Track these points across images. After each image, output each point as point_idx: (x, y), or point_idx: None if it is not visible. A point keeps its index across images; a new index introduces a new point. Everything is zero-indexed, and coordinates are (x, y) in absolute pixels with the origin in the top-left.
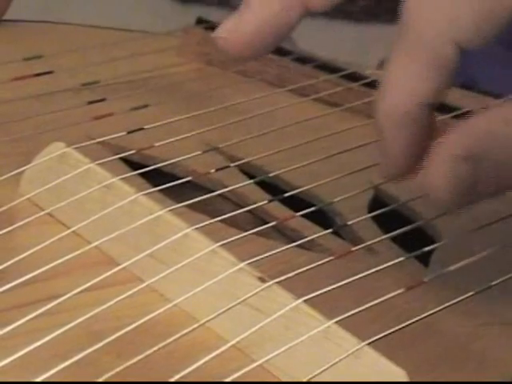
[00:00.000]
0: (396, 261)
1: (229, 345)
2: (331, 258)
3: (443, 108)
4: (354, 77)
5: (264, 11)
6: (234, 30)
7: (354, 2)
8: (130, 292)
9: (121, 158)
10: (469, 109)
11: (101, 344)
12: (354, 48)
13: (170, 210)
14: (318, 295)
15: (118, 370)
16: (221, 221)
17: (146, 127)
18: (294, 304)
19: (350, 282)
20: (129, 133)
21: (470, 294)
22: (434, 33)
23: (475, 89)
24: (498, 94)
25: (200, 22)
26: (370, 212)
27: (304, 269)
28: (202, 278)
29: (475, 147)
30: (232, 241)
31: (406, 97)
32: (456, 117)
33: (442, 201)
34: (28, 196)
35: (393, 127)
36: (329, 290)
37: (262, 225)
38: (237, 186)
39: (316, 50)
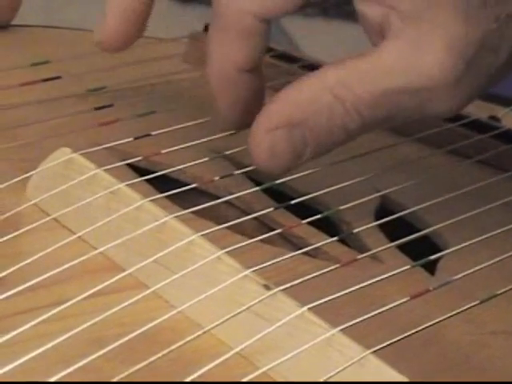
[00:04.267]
0: (402, 269)
1: (233, 352)
2: (336, 265)
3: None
4: None
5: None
6: (103, 30)
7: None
8: (134, 298)
9: (127, 164)
10: (475, 117)
11: (104, 350)
12: (353, 48)
13: (176, 217)
14: (322, 303)
15: (121, 376)
16: (226, 227)
17: (152, 133)
18: (298, 312)
19: (354, 290)
20: (135, 139)
21: (476, 302)
22: (236, 7)
23: None
24: (498, 94)
25: (207, 28)
26: (376, 220)
27: (309, 276)
28: (206, 285)
29: (295, 116)
30: (237, 248)
31: (221, 64)
32: (463, 125)
33: (264, 168)
34: (34, 201)
35: (216, 89)
36: (334, 298)
37: (267, 232)
38: (243, 192)
39: (316, 50)
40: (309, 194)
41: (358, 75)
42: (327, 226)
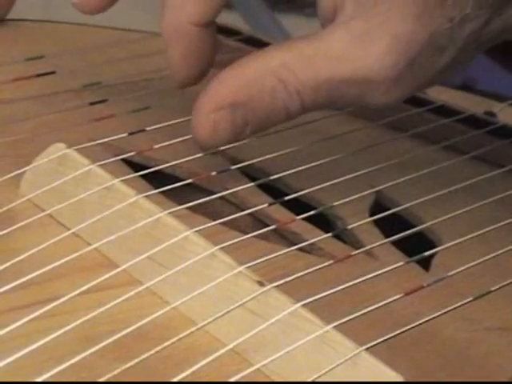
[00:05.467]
0: (396, 265)
1: (226, 348)
2: (330, 262)
3: (445, 111)
4: None
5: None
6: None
7: None
8: (128, 295)
9: (122, 160)
10: (470, 112)
11: (97, 347)
12: None
13: (170, 213)
14: (316, 300)
15: (114, 373)
16: (221, 223)
17: (147, 129)
18: (292, 308)
19: (349, 287)
20: (130, 134)
21: (470, 299)
22: None
23: (475, 89)
24: (498, 94)
25: None
26: (371, 216)
27: (303, 273)
28: (200, 282)
29: (238, 97)
30: (232, 244)
31: (177, 15)
32: (458, 121)
33: (204, 144)
34: (28, 197)
35: (169, 40)
36: (327, 295)
37: (262, 228)
38: (238, 188)
39: None
40: (304, 189)
41: (302, 60)
42: (322, 222)
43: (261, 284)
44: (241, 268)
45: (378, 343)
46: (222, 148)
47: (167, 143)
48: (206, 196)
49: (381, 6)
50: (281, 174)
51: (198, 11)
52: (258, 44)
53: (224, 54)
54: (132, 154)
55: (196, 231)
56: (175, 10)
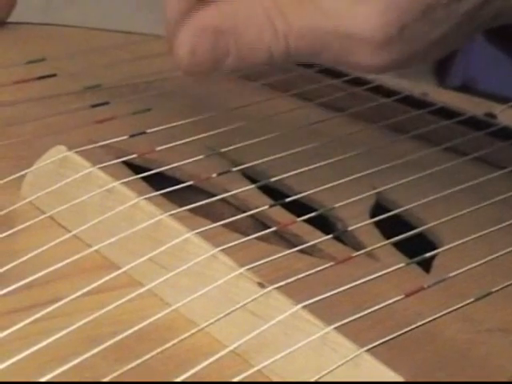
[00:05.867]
0: (397, 267)
1: (227, 350)
2: (331, 263)
3: (446, 113)
4: (357, 81)
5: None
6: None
7: None
8: (129, 296)
9: (123, 162)
10: (471, 114)
11: (99, 348)
12: None
13: (171, 215)
14: (317, 301)
15: (115, 374)
16: (222, 225)
17: (148, 131)
18: (292, 310)
19: (349, 288)
20: (131, 136)
21: (471, 300)
22: None
23: (475, 88)
24: (498, 94)
25: None
26: (371, 217)
27: (304, 274)
28: (201, 283)
29: (224, 23)
30: (232, 246)
31: None
32: (459, 122)
33: (182, 66)
34: (29, 199)
35: None
36: (328, 296)
37: (263, 229)
38: (239, 190)
39: None
40: (304, 191)
41: (295, 4)
42: (322, 224)
43: (261, 285)
44: (241, 270)
45: (379, 344)
46: (224, 150)
47: (168, 145)
48: (207, 198)
49: None
50: (281, 176)
51: None
52: None
53: None
54: (133, 156)
55: (197, 233)
56: None
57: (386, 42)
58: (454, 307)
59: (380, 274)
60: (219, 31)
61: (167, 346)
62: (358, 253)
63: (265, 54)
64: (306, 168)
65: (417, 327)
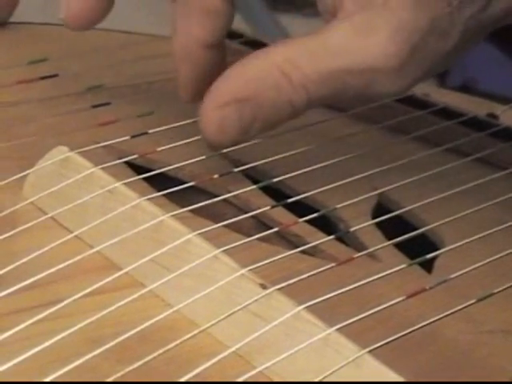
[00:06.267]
0: (398, 268)
1: (229, 351)
2: (333, 264)
3: (447, 113)
4: None
5: None
6: (67, 8)
7: None
8: (131, 297)
9: (125, 163)
10: (473, 114)
11: (101, 349)
12: None
13: (173, 215)
14: (319, 302)
15: (117, 375)
16: (224, 226)
17: (150, 131)
18: (294, 311)
19: (351, 289)
20: (132, 137)
21: (473, 301)
22: None
23: (476, 89)
24: (499, 94)
25: None
26: (373, 218)
27: (306, 275)
28: (203, 284)
29: (243, 92)
30: (234, 246)
31: (184, 38)
32: (461, 123)
33: (212, 142)
34: (31, 200)
35: (179, 61)
36: (330, 297)
37: (265, 230)
38: (240, 191)
39: None
40: (306, 192)
41: (305, 53)
42: (324, 225)
43: (263, 286)
44: (243, 270)
45: (381, 345)
46: (227, 150)
47: (170, 146)
48: (209, 198)
49: None
50: (283, 177)
51: (204, 33)
52: (261, 46)
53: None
54: (135, 156)
55: (199, 234)
56: (183, 31)
57: (401, 67)
58: (456, 308)
59: (382, 274)
60: (241, 100)
61: (169, 346)
62: (360, 254)
63: (288, 109)
64: (308, 168)
65: (419, 328)
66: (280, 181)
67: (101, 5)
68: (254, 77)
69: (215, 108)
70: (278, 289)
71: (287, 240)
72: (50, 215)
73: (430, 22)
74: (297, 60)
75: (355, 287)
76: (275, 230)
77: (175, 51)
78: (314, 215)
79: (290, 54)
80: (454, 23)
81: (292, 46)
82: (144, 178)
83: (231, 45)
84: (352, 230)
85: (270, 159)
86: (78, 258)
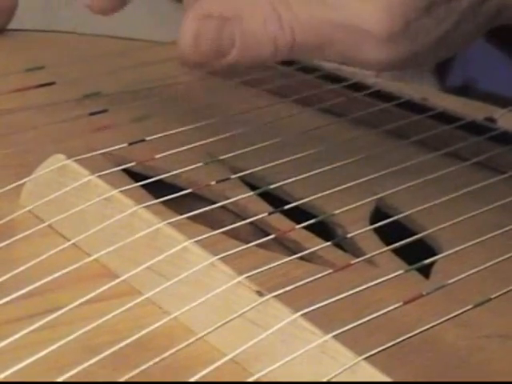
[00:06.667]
0: (396, 273)
1: (226, 358)
2: (330, 271)
3: (445, 118)
4: (357, 86)
5: None
6: None
7: None
8: (128, 305)
9: (122, 170)
10: (471, 118)
11: (98, 358)
12: None
13: (170, 223)
14: (316, 309)
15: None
16: (221, 232)
17: (147, 139)
18: (291, 318)
19: (348, 295)
20: (130, 144)
21: (470, 306)
22: None
23: (475, 88)
24: (499, 94)
25: None
26: (371, 223)
27: (302, 282)
28: (200, 292)
29: (230, 10)
30: (232, 253)
31: None
32: (459, 127)
33: (184, 55)
34: (28, 208)
35: None
36: (327, 304)
37: (262, 237)
38: (238, 197)
39: None
40: (304, 198)
41: None
42: (322, 231)
43: (260, 294)
44: (240, 278)
45: (378, 352)
46: (223, 157)
47: (168, 153)
48: (207, 205)
49: None
50: (281, 183)
51: None
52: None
53: None
54: (132, 164)
55: (195, 241)
56: None
57: (391, 37)
58: (454, 313)
59: (379, 280)
60: (224, 18)
61: (166, 354)
62: (358, 260)
63: (269, 46)
64: (306, 174)
65: (416, 334)
66: (278, 187)
67: None
68: (245, 3)
69: (195, 17)
70: (275, 296)
71: (285, 246)
72: (47, 223)
73: (428, 4)
74: (291, 1)
75: (352, 293)
76: (273, 236)
77: None
78: (312, 221)
79: None
80: (450, 11)
81: None
82: (141, 185)
83: None
84: (350, 235)
85: (268, 165)
86: (76, 265)
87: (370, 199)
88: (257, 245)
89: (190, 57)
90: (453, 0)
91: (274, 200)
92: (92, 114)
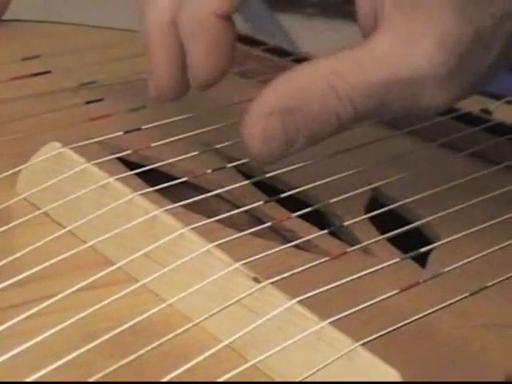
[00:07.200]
0: (392, 262)
1: (222, 345)
2: (326, 259)
3: None
4: None
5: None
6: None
7: (353, 2)
8: (124, 292)
9: (118, 158)
10: (466, 110)
11: (94, 344)
12: None
13: (166, 211)
14: (312, 296)
15: (110, 369)
16: (217, 221)
17: (143, 127)
18: (287, 305)
19: (345, 283)
20: (126, 133)
21: (466, 295)
22: None
23: None
24: (495, 92)
25: None
26: (367, 213)
27: (299, 269)
28: (196, 279)
29: (288, 102)
30: (227, 241)
31: (200, 9)
32: (455, 118)
33: (255, 154)
34: (24, 195)
35: (192, 36)
36: (324, 291)
37: (258, 225)
38: (234, 186)
39: (316, 50)
40: (300, 187)
41: (351, 65)
42: (318, 219)
43: (256, 280)
44: (237, 265)
45: (374, 338)
46: (219, 146)
47: (163, 142)
48: (202, 194)
49: (422, 6)
50: (276, 172)
51: (222, 2)
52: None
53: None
54: (128, 152)
55: (192, 228)
56: (195, 2)
57: (449, 76)
58: (449, 302)
59: (375, 268)
60: (285, 111)
61: (162, 341)
62: (353, 248)
63: (334, 123)
64: (302, 163)
65: (412, 322)
66: (273, 176)
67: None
68: (299, 87)
69: (259, 117)
70: (272, 283)
71: (281, 235)
72: (43, 211)
73: (474, 33)
74: (343, 71)
75: (348, 281)
76: (268, 224)
77: (186, 24)
78: (308, 210)
79: (336, 65)
80: (496, 35)
81: (338, 57)
82: (137, 174)
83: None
84: (346, 224)
85: None
86: (71, 253)
87: (365, 188)
88: (253, 234)
89: (261, 156)
90: (497, 24)
91: (269, 189)
92: (88, 102)
